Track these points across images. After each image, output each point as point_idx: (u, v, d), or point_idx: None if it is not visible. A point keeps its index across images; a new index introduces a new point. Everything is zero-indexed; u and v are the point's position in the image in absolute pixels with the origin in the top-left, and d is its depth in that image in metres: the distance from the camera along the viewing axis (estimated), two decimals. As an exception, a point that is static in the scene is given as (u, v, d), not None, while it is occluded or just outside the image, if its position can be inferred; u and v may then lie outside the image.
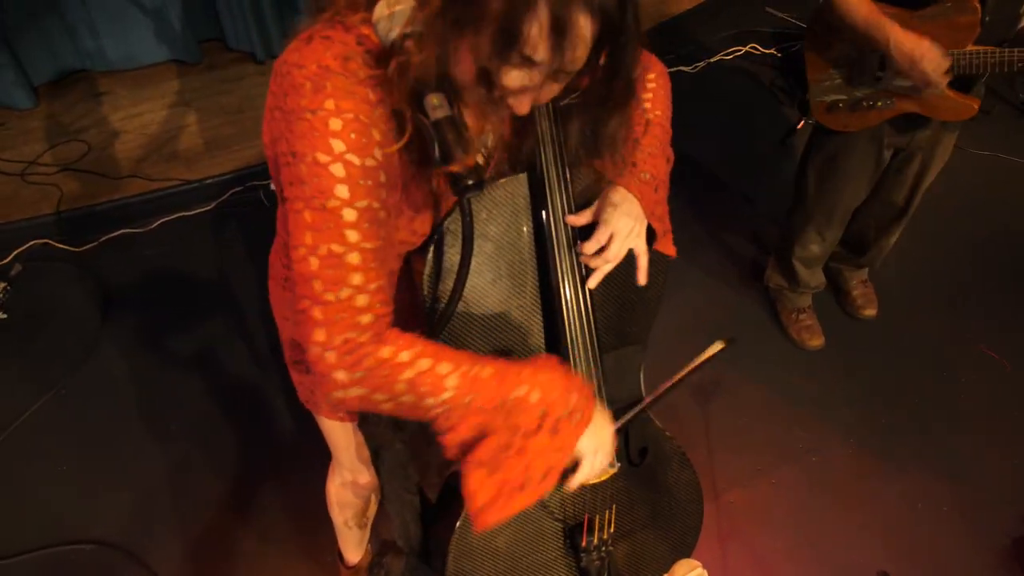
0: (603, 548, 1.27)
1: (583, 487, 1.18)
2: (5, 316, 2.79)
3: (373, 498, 1.75)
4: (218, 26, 3.71)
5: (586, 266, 1.14)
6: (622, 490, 1.29)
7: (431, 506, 1.32)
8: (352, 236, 0.91)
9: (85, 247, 3.02)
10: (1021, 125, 3.55)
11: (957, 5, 1.87)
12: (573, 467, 1.08)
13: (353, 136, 0.91)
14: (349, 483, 1.62)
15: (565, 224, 1.12)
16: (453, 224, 1.08)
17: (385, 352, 0.93)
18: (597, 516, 1.26)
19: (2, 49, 3.28)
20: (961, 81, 1.96)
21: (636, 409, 1.21)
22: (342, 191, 0.91)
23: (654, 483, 1.35)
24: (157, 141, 3.38)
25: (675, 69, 3.85)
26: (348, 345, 0.91)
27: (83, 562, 2.16)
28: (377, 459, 1.25)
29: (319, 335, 0.91)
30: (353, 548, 1.98)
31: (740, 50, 3.97)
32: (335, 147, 0.91)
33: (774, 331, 2.75)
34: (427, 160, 0.99)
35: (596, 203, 1.13)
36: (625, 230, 1.12)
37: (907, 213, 2.42)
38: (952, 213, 3.15)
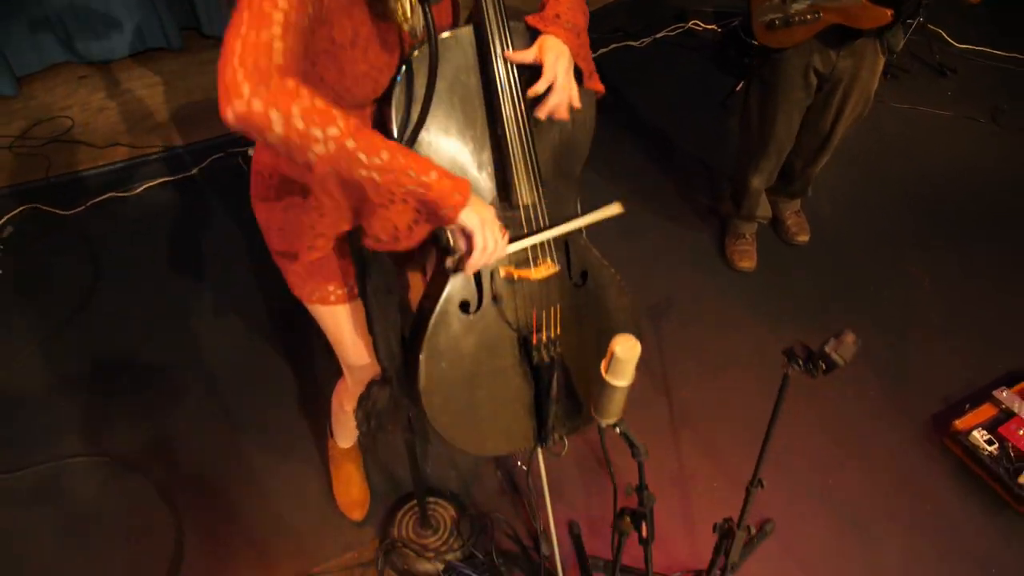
0: (552, 348, 1.49)
1: (529, 286, 1.40)
2: (1, 272, 2.96)
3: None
4: (193, 15, 3.93)
5: (525, 103, 1.38)
6: (568, 307, 1.51)
7: (407, 335, 1.53)
8: (282, 3, 1.08)
9: (73, 211, 3.20)
10: (937, 83, 3.89)
11: None
12: (468, 251, 1.27)
13: None
14: (349, 369, 1.77)
15: (507, 63, 1.36)
16: (419, 53, 1.31)
17: (289, 83, 1.07)
18: (544, 313, 1.47)
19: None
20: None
21: (562, 229, 1.45)
22: None
23: (596, 305, 1.57)
24: (138, 115, 3.57)
25: (623, 44, 4.15)
26: (258, 66, 1.05)
27: (80, 474, 2.33)
28: (363, 277, 1.43)
29: (235, 59, 1.05)
30: (347, 436, 2.18)
31: (683, 26, 4.28)
32: None
33: (719, 259, 3.02)
34: None
35: (533, 46, 1.37)
36: (562, 67, 1.36)
37: (830, 143, 2.69)
38: (877, 157, 3.47)
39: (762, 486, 1.65)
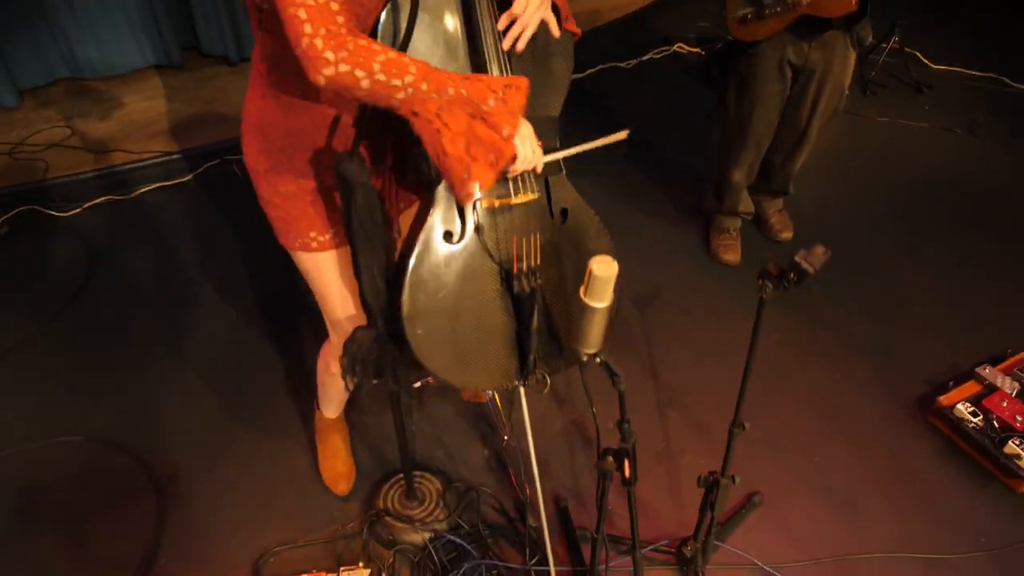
0: (532, 279, 1.52)
1: (510, 216, 1.44)
2: (-7, 268, 2.99)
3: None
4: (194, 35, 4.06)
5: (502, 36, 1.44)
6: (548, 241, 1.55)
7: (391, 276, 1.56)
8: None
9: (69, 212, 3.24)
10: (914, 98, 4.02)
11: None
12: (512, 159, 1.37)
13: None
14: (334, 326, 1.80)
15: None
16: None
17: (362, 41, 1.21)
18: (525, 241, 1.51)
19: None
20: None
21: (557, 154, 1.50)
22: None
23: (575, 245, 1.60)
24: (137, 124, 3.66)
25: (611, 66, 4.29)
26: (330, 33, 1.18)
27: (63, 453, 2.32)
28: (349, 209, 1.46)
29: (307, 28, 1.18)
30: (334, 403, 2.19)
31: (668, 50, 4.42)
32: None
33: (706, 255, 3.07)
34: None
35: None
36: (535, 3, 1.43)
37: (808, 137, 2.77)
38: (858, 163, 3.57)
39: (744, 428, 1.66)
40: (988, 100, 3.98)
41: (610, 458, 1.60)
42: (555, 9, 1.50)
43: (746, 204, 2.98)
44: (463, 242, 1.50)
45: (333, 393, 2.11)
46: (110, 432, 2.37)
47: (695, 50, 4.42)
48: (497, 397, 2.39)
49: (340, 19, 1.21)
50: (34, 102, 3.78)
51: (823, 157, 3.42)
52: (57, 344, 2.68)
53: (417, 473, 2.19)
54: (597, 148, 1.57)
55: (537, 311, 1.54)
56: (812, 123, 2.71)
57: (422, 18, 1.40)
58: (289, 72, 1.44)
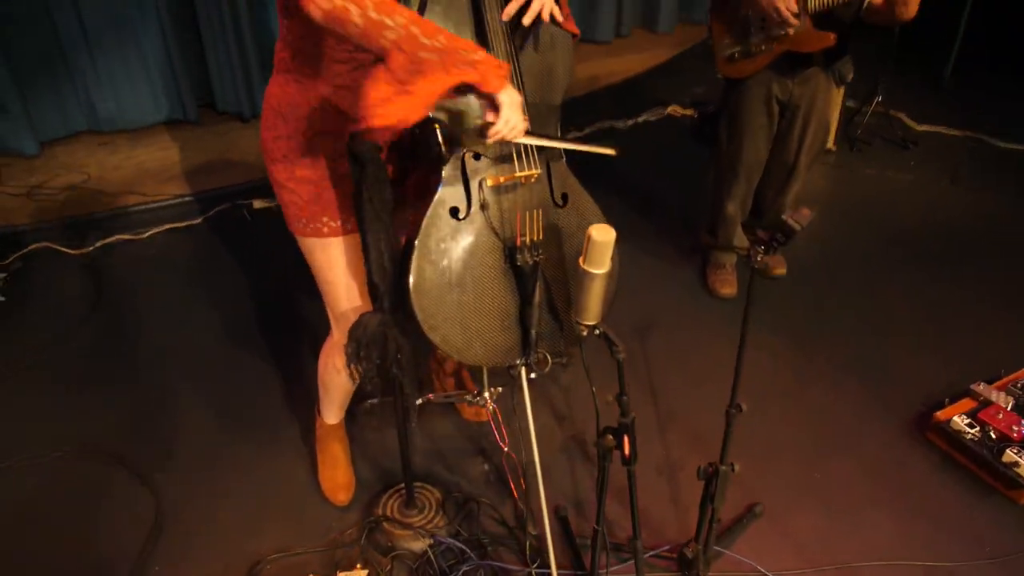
0: (535, 252, 1.58)
1: (513, 194, 1.52)
2: (3, 299, 3.05)
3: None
4: (210, 92, 4.26)
5: (511, 29, 1.56)
6: (549, 218, 1.63)
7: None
8: None
9: (82, 250, 3.34)
10: (900, 154, 4.18)
11: None
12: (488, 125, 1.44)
13: None
14: (338, 321, 1.85)
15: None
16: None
17: None
18: (528, 215, 1.58)
19: (15, 100, 3.74)
20: (829, 20, 2.47)
21: (548, 142, 1.60)
22: None
23: (575, 228, 1.68)
24: (152, 171, 3.80)
25: (608, 125, 4.48)
26: None
27: (68, 467, 2.33)
28: (360, 177, 1.54)
29: None
30: (335, 412, 2.21)
31: (663, 111, 4.63)
32: None
33: (703, 290, 3.14)
34: None
35: None
36: None
37: (797, 171, 2.88)
38: (848, 209, 3.69)
39: (741, 410, 1.69)
40: (970, 156, 4.15)
41: (610, 436, 1.63)
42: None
43: (740, 239, 3.07)
44: (469, 218, 1.57)
45: (335, 393, 2.13)
46: (110, 443, 2.38)
47: (688, 112, 4.63)
48: (499, 413, 2.41)
49: None
50: (53, 152, 3.94)
51: (813, 203, 3.52)
52: (62, 363, 2.73)
53: (417, 484, 2.19)
54: (583, 152, 1.68)
55: (539, 285, 1.60)
56: (800, 158, 2.83)
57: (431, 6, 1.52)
58: (310, 55, 1.55)
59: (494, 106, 1.45)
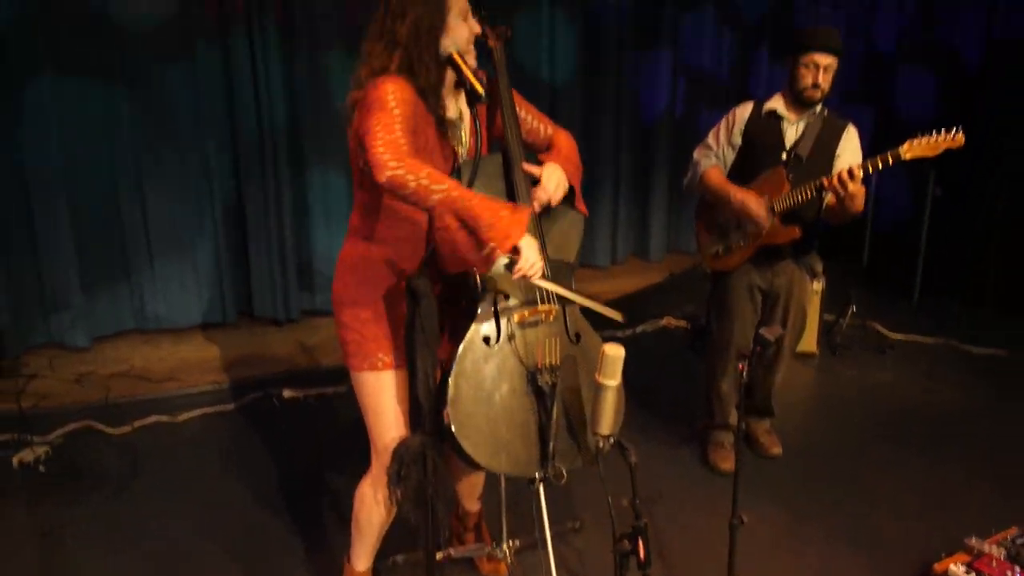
0: (553, 374, 1.86)
1: (535, 328, 1.85)
2: (44, 470, 3.24)
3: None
4: (248, 301, 4.72)
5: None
6: (565, 350, 1.93)
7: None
8: (395, 112, 1.78)
9: (120, 430, 3.57)
10: (878, 358, 4.55)
11: (773, 173, 2.97)
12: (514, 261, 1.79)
13: (397, 94, 1.84)
14: (379, 454, 2.08)
15: (524, 174, 1.99)
16: (465, 160, 1.94)
17: (415, 160, 1.74)
18: (547, 342, 1.88)
19: (78, 296, 4.18)
20: (794, 218, 2.94)
21: (563, 290, 1.96)
22: (391, 99, 1.80)
23: (587, 361, 1.97)
24: (189, 363, 4.13)
25: (609, 332, 4.88)
26: (399, 150, 1.73)
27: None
28: (414, 311, 1.86)
29: (379, 145, 1.73)
30: (366, 555, 2.33)
31: (658, 322, 5.07)
32: (389, 91, 1.83)
33: (703, 467, 3.33)
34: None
35: (542, 167, 2.02)
36: (556, 178, 2.00)
37: (782, 351, 3.23)
38: (834, 404, 4.00)
39: (743, 522, 1.87)
40: (945, 360, 4.50)
41: (625, 541, 1.80)
42: (571, 190, 2.08)
43: (734, 416, 3.32)
44: (499, 345, 1.89)
45: (368, 532, 2.25)
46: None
47: (681, 323, 5.06)
48: (518, 566, 2.52)
49: (405, 148, 1.76)
50: (102, 346, 4.31)
51: (800, 399, 3.94)
52: (92, 529, 2.86)
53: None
54: (592, 309, 2.04)
55: (557, 404, 1.87)
56: (784, 339, 3.18)
57: (477, 184, 1.95)
58: (378, 218, 1.97)
59: (516, 251, 1.82)
